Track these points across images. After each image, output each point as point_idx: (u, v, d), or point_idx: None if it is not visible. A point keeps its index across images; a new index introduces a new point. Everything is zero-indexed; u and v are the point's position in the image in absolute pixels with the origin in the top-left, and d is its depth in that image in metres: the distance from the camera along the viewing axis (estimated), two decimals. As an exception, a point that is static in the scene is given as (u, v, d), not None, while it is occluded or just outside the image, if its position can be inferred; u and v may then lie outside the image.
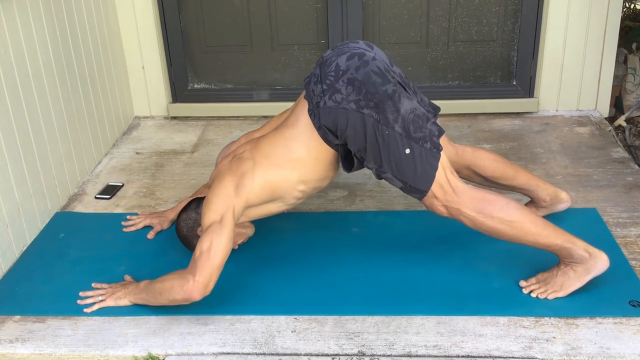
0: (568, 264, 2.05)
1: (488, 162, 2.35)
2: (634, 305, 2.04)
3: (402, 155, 1.98)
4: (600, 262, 2.02)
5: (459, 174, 2.37)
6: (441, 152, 2.02)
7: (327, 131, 2.03)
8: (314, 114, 2.03)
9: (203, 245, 1.96)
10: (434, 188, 2.01)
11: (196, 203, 2.28)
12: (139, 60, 3.55)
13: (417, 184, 2.02)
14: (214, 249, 1.95)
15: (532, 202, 2.47)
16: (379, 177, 2.08)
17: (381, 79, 1.99)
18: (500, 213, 2.00)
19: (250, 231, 2.38)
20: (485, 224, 2.02)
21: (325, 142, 2.06)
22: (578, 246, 2.01)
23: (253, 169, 2.08)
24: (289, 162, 2.08)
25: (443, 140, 2.24)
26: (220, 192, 2.06)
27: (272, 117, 2.24)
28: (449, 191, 2.02)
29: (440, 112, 2.21)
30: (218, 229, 1.99)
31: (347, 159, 2.11)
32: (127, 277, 2.27)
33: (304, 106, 2.08)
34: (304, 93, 2.12)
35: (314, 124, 2.05)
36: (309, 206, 2.71)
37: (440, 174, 2.01)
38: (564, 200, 2.45)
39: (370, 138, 1.98)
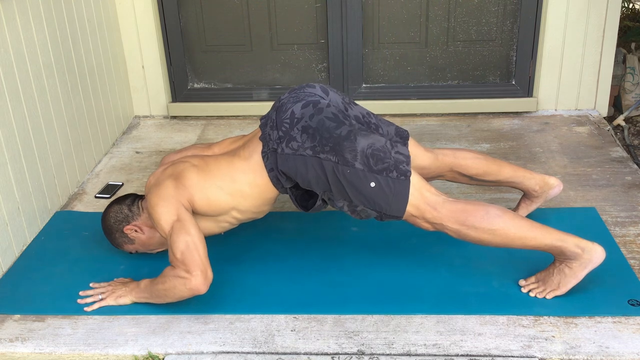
0: (563, 261, 2.06)
1: (470, 161, 2.36)
2: (632, 305, 2.05)
3: (369, 189, 2.00)
4: (595, 255, 2.01)
5: (444, 178, 2.38)
6: (410, 177, 2.02)
7: (281, 175, 2.06)
8: (267, 156, 2.07)
9: (180, 246, 1.98)
10: (411, 210, 2.03)
11: (131, 199, 2.27)
12: (139, 60, 3.56)
13: (391, 211, 2.04)
14: (192, 244, 1.98)
15: (525, 196, 2.47)
16: (354, 213, 2.08)
17: (335, 123, 2.03)
18: (482, 223, 2.00)
19: None
20: (469, 235, 2.03)
21: (274, 184, 2.10)
22: (569, 243, 2.01)
23: (195, 173, 2.11)
24: (231, 190, 2.11)
25: (419, 149, 2.28)
26: (163, 194, 2.09)
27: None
28: (427, 209, 2.03)
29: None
30: (181, 226, 2.01)
31: (297, 200, 2.14)
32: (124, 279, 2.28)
33: (258, 144, 2.11)
34: (259, 132, 2.15)
35: (265, 165, 2.08)
36: (309, 205, 2.71)
37: (413, 196, 2.02)
38: (555, 185, 2.44)
39: (333, 179, 2.01)
